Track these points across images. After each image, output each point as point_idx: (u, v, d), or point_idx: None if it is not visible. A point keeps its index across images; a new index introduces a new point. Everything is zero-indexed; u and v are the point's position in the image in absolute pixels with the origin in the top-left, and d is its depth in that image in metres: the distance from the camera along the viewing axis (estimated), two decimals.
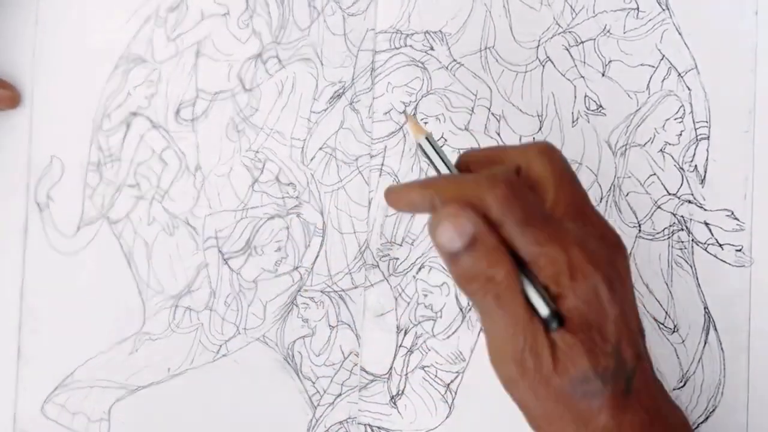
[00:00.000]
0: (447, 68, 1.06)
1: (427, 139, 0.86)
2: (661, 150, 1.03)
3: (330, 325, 1.07)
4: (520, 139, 1.05)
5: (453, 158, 0.87)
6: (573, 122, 1.04)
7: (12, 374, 1.09)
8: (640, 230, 1.03)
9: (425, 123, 1.06)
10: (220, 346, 1.08)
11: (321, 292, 1.07)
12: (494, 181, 0.76)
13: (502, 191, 0.75)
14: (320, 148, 1.08)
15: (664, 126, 1.03)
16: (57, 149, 1.11)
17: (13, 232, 1.10)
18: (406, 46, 1.06)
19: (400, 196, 0.84)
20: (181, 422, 1.07)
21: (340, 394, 1.06)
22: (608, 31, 1.05)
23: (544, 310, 0.75)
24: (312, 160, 1.08)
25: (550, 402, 0.77)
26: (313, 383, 1.06)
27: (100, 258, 1.09)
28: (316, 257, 1.08)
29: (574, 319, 0.75)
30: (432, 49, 1.06)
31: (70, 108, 1.11)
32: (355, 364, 1.06)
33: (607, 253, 0.78)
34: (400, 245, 1.06)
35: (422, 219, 1.05)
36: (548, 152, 0.82)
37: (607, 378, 0.76)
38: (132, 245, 1.09)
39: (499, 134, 1.05)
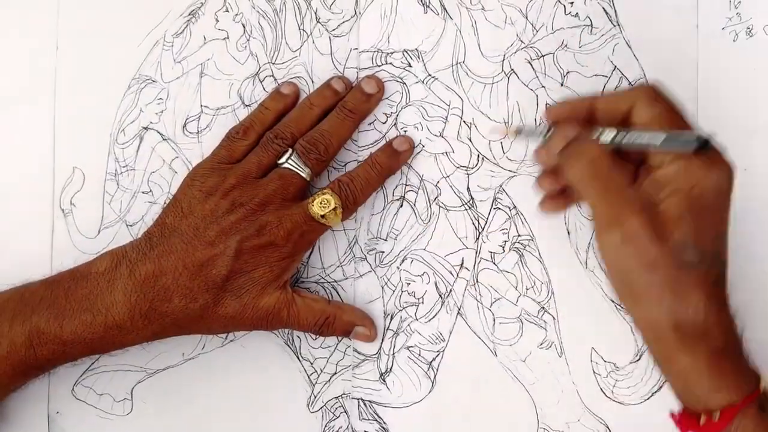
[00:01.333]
0: (423, 82, 1.14)
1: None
2: None
3: None
4: (489, 144, 1.13)
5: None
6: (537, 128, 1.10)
7: None
8: None
9: (404, 131, 1.14)
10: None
11: (316, 282, 1.15)
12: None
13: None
14: None
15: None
16: (78, 161, 1.18)
17: (42, 235, 1.17)
18: (386, 63, 1.14)
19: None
20: (194, 400, 1.15)
21: (335, 373, 1.14)
22: (566, 46, 1.13)
23: None
24: None
25: (648, 269, 0.81)
26: (311, 363, 1.14)
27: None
28: (311, 252, 1.15)
29: (688, 199, 0.81)
30: (410, 65, 1.14)
31: (90, 124, 1.18)
32: (348, 346, 1.14)
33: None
34: (385, 240, 1.14)
35: (404, 216, 1.13)
36: (653, 95, 0.89)
37: (706, 255, 0.81)
38: None
39: (470, 139, 1.13)
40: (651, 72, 1.12)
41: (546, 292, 1.12)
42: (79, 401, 1.17)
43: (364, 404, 1.14)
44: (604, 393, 1.11)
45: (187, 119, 1.18)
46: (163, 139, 1.18)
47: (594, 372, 1.11)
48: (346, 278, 1.15)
